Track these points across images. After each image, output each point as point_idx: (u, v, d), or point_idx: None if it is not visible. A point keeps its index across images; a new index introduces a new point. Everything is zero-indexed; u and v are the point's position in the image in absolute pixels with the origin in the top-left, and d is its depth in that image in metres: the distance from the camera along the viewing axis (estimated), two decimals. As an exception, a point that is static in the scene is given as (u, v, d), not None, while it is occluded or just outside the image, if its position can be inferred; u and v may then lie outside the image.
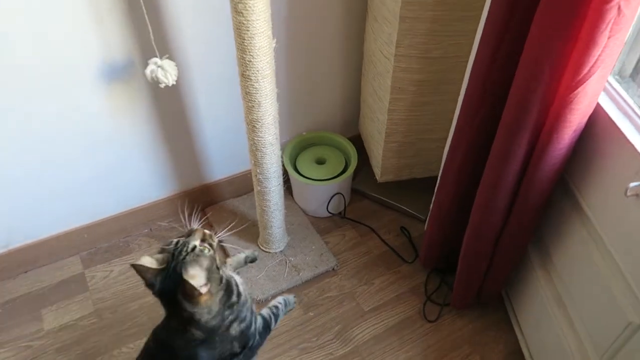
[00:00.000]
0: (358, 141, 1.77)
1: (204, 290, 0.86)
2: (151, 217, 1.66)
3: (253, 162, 1.33)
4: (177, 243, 0.89)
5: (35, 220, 1.49)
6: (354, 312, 1.47)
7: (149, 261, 0.86)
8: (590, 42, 0.83)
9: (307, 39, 1.52)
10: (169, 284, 0.87)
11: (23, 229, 1.50)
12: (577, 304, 1.13)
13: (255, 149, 1.28)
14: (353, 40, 1.59)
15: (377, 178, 1.65)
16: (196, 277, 0.84)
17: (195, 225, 0.95)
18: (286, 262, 1.55)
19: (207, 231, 0.93)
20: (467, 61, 1.18)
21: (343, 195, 1.68)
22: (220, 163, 1.67)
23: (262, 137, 1.25)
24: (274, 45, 1.13)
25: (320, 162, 1.70)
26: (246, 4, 1.01)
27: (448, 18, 1.22)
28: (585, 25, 0.83)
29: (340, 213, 1.72)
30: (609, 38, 0.82)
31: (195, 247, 0.89)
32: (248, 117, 1.23)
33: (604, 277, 1.03)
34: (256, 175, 1.36)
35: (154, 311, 1.46)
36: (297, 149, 1.72)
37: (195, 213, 1.02)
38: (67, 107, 1.30)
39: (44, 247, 1.55)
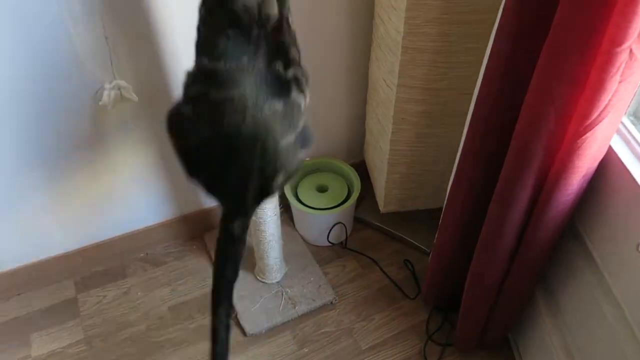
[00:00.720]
0: (363, 167, 1.72)
1: None
2: (147, 241, 1.62)
3: (248, 192, 1.28)
4: None
5: (30, 243, 1.47)
6: (350, 350, 1.40)
7: None
8: (599, 86, 0.77)
9: (311, 62, 1.48)
10: None
11: (17, 251, 1.47)
12: (586, 358, 1.05)
13: (249, 180, 1.24)
14: (359, 66, 1.54)
15: (380, 208, 1.59)
16: None
17: None
18: (282, 294, 1.49)
19: None
20: (472, 93, 1.12)
21: (344, 225, 1.63)
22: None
23: (256, 168, 1.20)
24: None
25: (322, 189, 1.65)
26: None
27: (452, 50, 1.17)
28: (593, 69, 0.77)
29: (341, 243, 1.66)
30: (619, 82, 0.76)
31: None
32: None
33: (614, 331, 0.95)
34: (251, 206, 1.31)
35: (143, 341, 1.43)
36: (299, 176, 1.67)
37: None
38: (59, 127, 1.28)
39: (38, 269, 1.52)
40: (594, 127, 0.82)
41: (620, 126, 0.95)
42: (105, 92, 1.21)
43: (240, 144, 0.78)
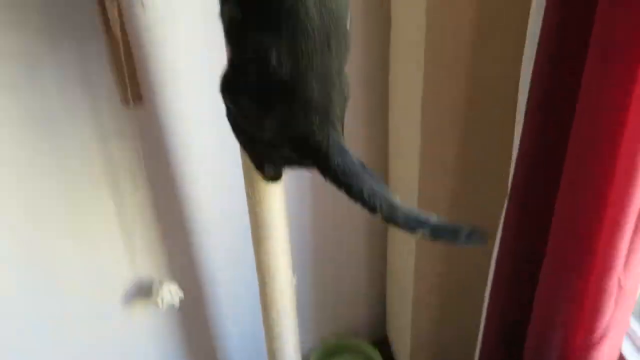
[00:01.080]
0: (385, 343, 1.74)
1: None
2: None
3: (275, 388, 1.31)
4: None
5: None
6: None
7: None
8: (596, 310, 0.83)
9: (331, 238, 1.57)
10: None
11: None
12: None
13: (277, 377, 1.28)
14: (377, 238, 1.61)
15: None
16: None
17: None
18: None
19: None
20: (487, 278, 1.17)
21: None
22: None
23: (283, 366, 1.25)
24: (294, 282, 1.18)
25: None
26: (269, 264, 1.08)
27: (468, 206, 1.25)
28: (590, 291, 0.84)
29: None
30: (615, 309, 0.83)
31: None
32: (269, 346, 1.24)
33: None
34: (278, 401, 1.32)
35: None
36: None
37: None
38: (87, 324, 1.36)
39: None
40: (599, 343, 0.87)
41: (630, 331, 1.00)
42: (157, 292, 1.30)
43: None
